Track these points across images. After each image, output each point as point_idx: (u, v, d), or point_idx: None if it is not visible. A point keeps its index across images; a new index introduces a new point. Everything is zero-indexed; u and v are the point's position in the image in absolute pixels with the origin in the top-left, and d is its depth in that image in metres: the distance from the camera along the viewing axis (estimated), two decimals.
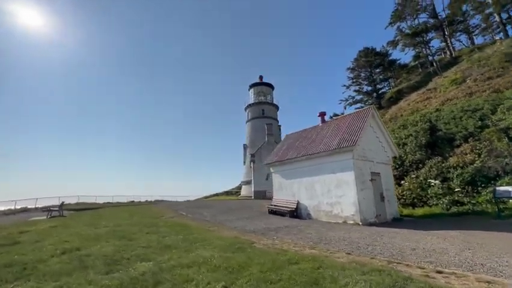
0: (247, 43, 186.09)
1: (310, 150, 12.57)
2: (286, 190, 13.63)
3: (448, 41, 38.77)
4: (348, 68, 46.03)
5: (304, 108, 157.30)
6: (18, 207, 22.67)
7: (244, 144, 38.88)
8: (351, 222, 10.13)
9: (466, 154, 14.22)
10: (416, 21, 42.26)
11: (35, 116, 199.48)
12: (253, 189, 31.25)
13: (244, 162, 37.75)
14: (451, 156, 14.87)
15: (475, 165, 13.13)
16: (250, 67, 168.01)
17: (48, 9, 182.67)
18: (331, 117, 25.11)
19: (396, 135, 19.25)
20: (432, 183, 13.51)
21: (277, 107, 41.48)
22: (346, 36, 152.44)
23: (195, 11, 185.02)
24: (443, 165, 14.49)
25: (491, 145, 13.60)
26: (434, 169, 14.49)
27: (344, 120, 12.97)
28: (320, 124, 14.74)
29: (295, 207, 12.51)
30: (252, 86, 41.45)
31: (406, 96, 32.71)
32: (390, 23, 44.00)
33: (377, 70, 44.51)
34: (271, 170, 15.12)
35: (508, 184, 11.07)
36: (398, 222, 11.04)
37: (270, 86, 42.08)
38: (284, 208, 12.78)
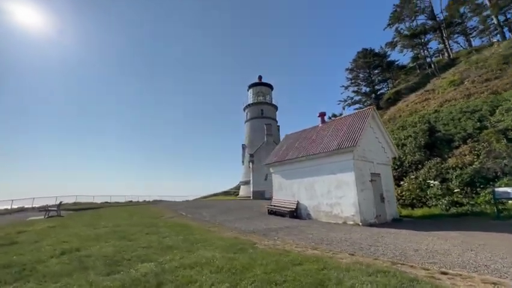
0: (247, 43, 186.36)
1: (311, 150, 12.55)
2: (286, 190, 13.61)
3: (446, 43, 39.00)
4: (347, 69, 46.19)
5: (304, 108, 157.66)
6: (15, 206, 22.45)
7: (243, 144, 38.82)
8: (351, 222, 10.12)
9: (465, 155, 14.29)
10: (415, 23, 42.49)
11: (35, 115, 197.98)
12: (251, 190, 31.21)
13: (243, 162, 37.69)
14: (450, 157, 14.94)
15: (473, 166, 13.20)
16: (250, 67, 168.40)
17: (47, 8, 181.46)
18: (329, 118, 25.13)
19: (395, 136, 19.30)
20: (432, 184, 13.55)
21: (276, 107, 41.50)
22: (345, 37, 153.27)
23: (195, 11, 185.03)
24: (442, 166, 14.55)
25: (489, 146, 13.67)
26: (433, 170, 14.55)
27: (344, 121, 12.97)
28: (320, 124, 14.73)
29: (295, 207, 12.48)
30: (251, 86, 41.44)
31: (404, 97, 32.85)
32: (389, 24, 44.18)
33: (376, 71, 44.69)
34: (271, 170, 15.09)
35: (506, 185, 11.13)
36: (397, 222, 11.05)
37: (269, 86, 42.09)
38: (284, 208, 12.74)
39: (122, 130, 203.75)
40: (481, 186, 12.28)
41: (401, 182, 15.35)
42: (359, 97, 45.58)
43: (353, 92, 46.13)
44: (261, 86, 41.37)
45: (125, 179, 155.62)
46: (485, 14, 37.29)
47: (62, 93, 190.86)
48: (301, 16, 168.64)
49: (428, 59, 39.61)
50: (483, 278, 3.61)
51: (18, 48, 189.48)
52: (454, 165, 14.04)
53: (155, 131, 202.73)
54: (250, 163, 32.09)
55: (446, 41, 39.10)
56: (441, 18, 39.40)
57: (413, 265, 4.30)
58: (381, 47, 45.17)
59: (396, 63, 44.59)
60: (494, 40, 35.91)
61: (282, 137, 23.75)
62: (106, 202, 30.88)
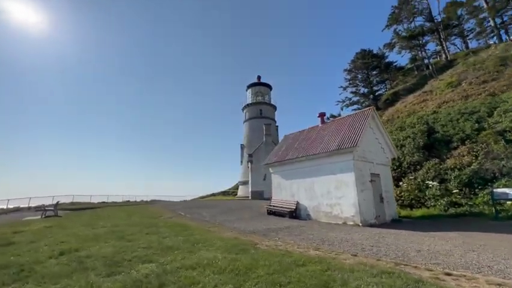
0: (247, 43, 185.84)
1: (311, 151, 12.54)
2: (286, 191, 13.58)
3: (444, 45, 39.28)
4: (345, 70, 46.24)
5: (303, 108, 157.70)
6: (10, 206, 22.17)
7: (241, 144, 38.73)
8: (351, 223, 10.11)
9: (463, 156, 14.37)
10: (413, 25, 42.74)
11: (34, 114, 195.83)
12: (250, 190, 31.13)
13: (242, 162, 37.60)
14: (448, 158, 15.02)
15: (472, 167, 13.27)
16: (250, 67, 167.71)
17: (46, 7, 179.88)
18: (328, 119, 25.12)
19: (394, 137, 19.36)
20: (430, 185, 13.61)
21: (275, 107, 41.45)
22: (345, 37, 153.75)
23: (195, 11, 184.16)
24: (441, 167, 14.62)
25: (488, 147, 13.76)
26: (431, 171, 14.61)
27: (344, 121, 12.97)
28: (320, 125, 14.73)
29: (294, 207, 12.45)
30: (250, 86, 41.36)
31: (403, 98, 33.00)
32: (387, 26, 44.44)
33: (374, 72, 44.82)
34: (270, 170, 15.05)
35: (505, 186, 11.21)
36: (397, 223, 11.08)
37: (268, 86, 42.04)
38: (283, 209, 12.71)
39: (122, 130, 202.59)
40: (479, 187, 12.36)
41: (400, 183, 15.40)
42: (357, 98, 45.67)
43: (351, 92, 46.22)
44: (260, 86, 41.31)
45: (124, 179, 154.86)
46: (482, 16, 37.70)
47: (62, 93, 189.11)
48: (301, 16, 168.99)
49: (426, 61, 39.83)
50: (487, 279, 3.60)
51: (17, 46, 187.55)
52: (452, 166, 14.12)
53: (154, 131, 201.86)
54: (249, 163, 32.02)
55: (443, 42, 39.39)
56: (439, 20, 39.70)
57: (417, 266, 4.29)
58: (379, 48, 45.42)
59: (394, 64, 44.83)
60: (491, 42, 36.23)
61: (280, 137, 23.73)
62: (103, 202, 30.61)
